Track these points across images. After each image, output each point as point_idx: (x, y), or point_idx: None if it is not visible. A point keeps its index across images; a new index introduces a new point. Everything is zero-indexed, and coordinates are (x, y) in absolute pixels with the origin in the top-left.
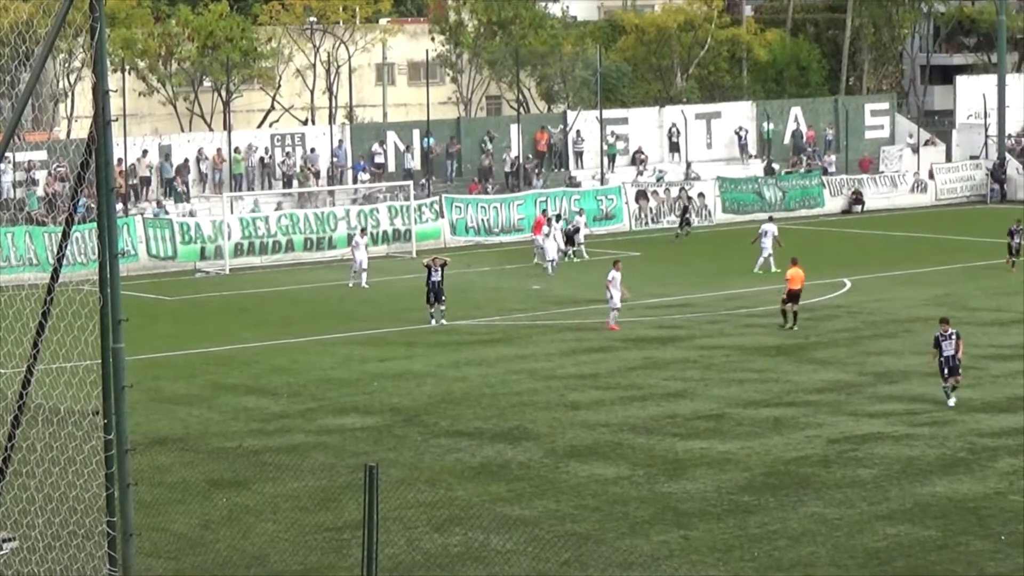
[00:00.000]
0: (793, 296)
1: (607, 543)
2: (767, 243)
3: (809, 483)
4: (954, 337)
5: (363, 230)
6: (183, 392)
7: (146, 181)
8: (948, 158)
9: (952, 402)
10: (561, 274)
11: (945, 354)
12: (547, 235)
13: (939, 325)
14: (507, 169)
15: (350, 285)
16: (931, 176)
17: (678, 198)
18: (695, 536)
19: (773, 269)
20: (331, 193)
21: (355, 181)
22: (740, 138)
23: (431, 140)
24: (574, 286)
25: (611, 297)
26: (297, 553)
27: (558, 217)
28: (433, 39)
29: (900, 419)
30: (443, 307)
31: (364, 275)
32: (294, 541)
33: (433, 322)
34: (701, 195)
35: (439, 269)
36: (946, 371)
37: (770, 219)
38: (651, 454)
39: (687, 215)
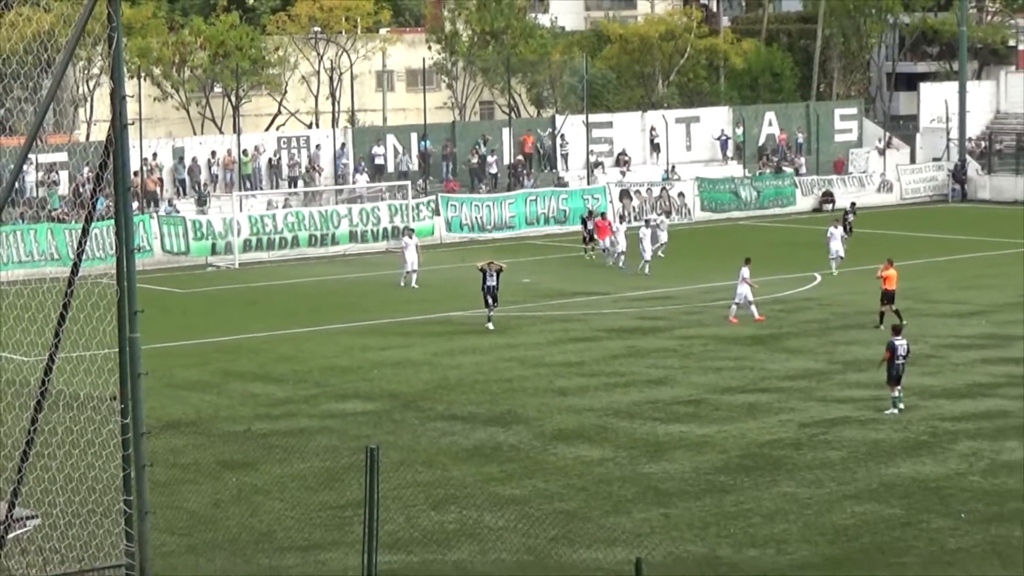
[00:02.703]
0: (888, 296)
1: (592, 520)
2: (834, 245)
3: (781, 464)
4: (906, 348)
5: (411, 231)
6: (195, 379)
7: (159, 182)
8: (912, 160)
9: (901, 407)
10: (551, 269)
11: (897, 360)
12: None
13: (892, 334)
14: (493, 171)
15: (400, 284)
16: (897, 177)
17: (659, 197)
18: (675, 514)
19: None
20: (335, 192)
21: (357, 181)
22: (721, 142)
23: (428, 143)
24: (562, 280)
25: (739, 293)
26: (302, 530)
27: (648, 223)
28: (430, 48)
29: (867, 405)
30: (491, 312)
31: (414, 276)
32: (299, 518)
33: (491, 325)
34: (681, 194)
35: (495, 274)
36: (894, 378)
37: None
38: (633, 437)
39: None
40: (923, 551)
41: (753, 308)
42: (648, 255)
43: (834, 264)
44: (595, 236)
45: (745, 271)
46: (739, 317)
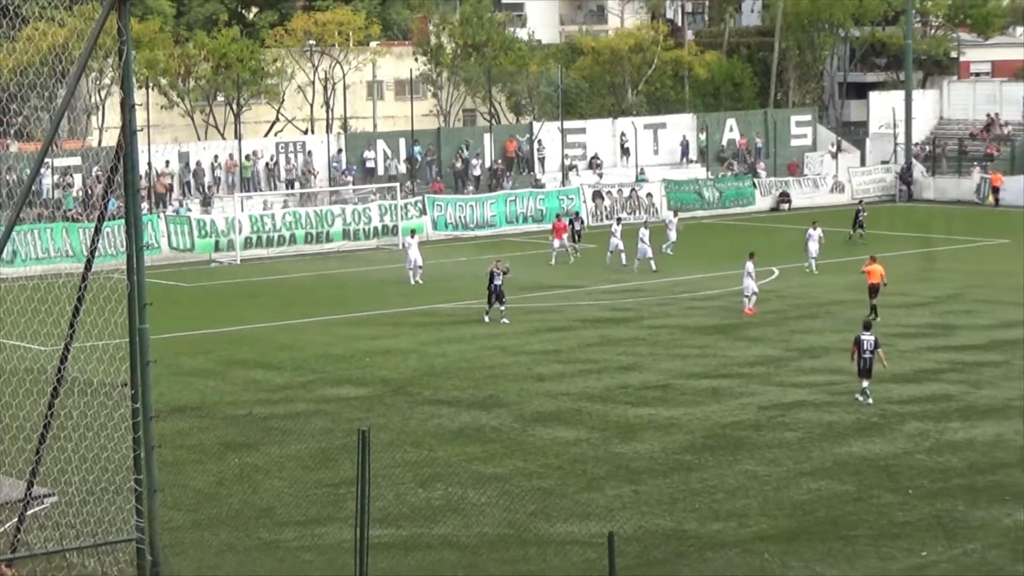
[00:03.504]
0: (873, 290)
1: (568, 497)
2: (812, 246)
3: (742, 444)
4: (873, 343)
5: (413, 231)
6: (200, 366)
7: (169, 186)
8: (863, 163)
9: (870, 400)
10: (529, 264)
11: (864, 354)
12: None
13: (862, 329)
14: (475, 173)
15: (412, 283)
16: (848, 178)
17: (629, 198)
18: (644, 490)
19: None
20: (329, 193)
21: (350, 183)
22: (684, 147)
23: (416, 147)
24: (540, 275)
25: (747, 286)
26: (300, 506)
27: (619, 220)
28: (416, 59)
29: (821, 389)
30: (503, 307)
31: (419, 272)
32: (297, 495)
33: (487, 318)
34: (649, 195)
35: (501, 274)
36: (863, 371)
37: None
38: (606, 419)
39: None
40: (873, 524)
41: (746, 300)
42: (649, 252)
43: (813, 263)
44: (576, 236)
45: (749, 265)
46: (725, 305)
